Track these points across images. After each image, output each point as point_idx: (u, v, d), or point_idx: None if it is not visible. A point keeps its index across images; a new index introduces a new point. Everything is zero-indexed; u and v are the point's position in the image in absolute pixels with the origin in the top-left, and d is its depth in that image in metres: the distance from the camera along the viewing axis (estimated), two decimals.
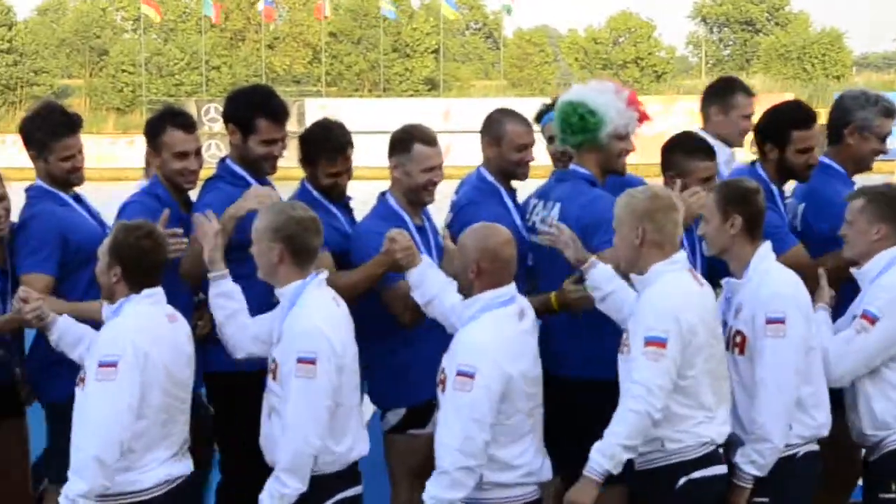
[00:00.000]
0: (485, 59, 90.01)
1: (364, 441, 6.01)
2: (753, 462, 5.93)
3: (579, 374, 6.50)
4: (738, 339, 6.04)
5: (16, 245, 6.65)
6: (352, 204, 7.07)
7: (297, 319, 5.81)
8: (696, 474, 5.81)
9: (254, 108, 6.73)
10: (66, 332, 6.24)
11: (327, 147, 6.86)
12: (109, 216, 6.81)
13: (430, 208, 6.97)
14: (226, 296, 6.15)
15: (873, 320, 6.16)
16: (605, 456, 5.68)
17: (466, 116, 53.25)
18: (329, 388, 5.74)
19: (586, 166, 6.70)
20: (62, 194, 6.76)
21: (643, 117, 6.85)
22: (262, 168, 6.77)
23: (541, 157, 7.23)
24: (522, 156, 6.99)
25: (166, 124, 6.77)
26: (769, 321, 5.94)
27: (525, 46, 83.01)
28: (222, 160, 6.85)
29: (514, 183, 7.12)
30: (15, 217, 6.72)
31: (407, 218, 6.75)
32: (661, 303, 5.78)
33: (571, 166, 6.79)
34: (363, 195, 7.54)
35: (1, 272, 6.67)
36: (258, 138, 6.71)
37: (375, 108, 53.80)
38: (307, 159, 6.92)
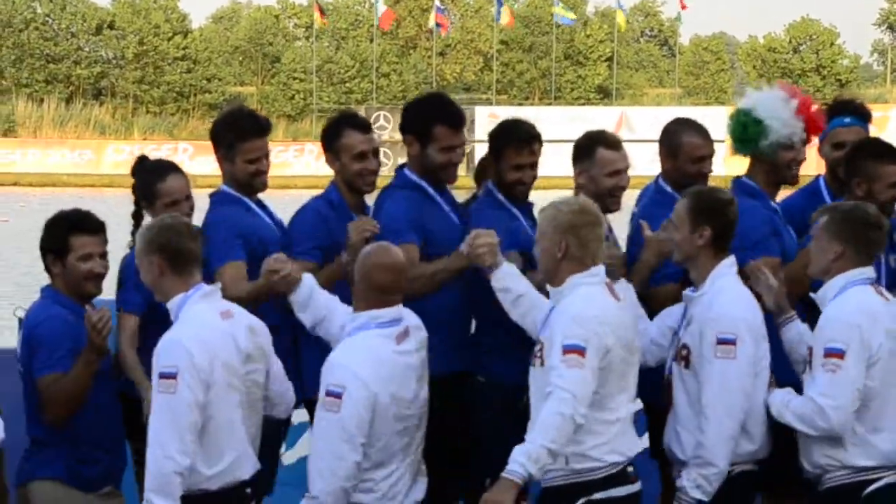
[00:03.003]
0: (659, 66, 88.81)
1: (251, 460, 5.84)
2: (699, 487, 5.88)
3: None
4: (685, 352, 6.02)
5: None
6: None
7: (168, 333, 5.72)
8: (598, 495, 5.73)
9: (431, 117, 6.71)
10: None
11: (514, 136, 6.76)
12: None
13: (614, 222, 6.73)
14: None
15: (842, 354, 5.85)
16: (529, 458, 5.52)
17: (641, 124, 52.22)
18: (192, 402, 5.57)
19: (755, 176, 6.74)
20: (246, 199, 6.79)
21: (813, 128, 6.74)
22: (441, 177, 6.75)
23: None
24: (699, 168, 6.86)
25: (343, 127, 6.83)
26: (719, 342, 5.90)
27: (701, 54, 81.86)
28: (400, 168, 6.85)
29: None
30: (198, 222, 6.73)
31: None
32: (579, 312, 5.73)
33: (742, 177, 6.80)
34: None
35: None
36: (437, 146, 6.68)
37: (547, 115, 52.69)
38: (494, 152, 6.82)
